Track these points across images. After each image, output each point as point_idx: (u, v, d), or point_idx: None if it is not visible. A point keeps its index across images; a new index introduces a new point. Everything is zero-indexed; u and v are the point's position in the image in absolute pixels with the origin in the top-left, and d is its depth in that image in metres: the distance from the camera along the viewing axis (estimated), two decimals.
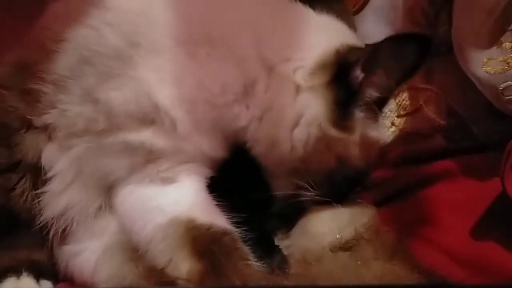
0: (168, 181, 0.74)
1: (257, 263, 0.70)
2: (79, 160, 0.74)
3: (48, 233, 0.77)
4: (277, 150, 0.75)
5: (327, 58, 0.74)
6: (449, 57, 0.93)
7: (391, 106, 0.98)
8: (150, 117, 0.72)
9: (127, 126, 0.72)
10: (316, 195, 0.77)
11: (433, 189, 0.88)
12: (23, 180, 0.76)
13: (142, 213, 0.73)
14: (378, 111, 0.77)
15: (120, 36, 0.71)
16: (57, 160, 0.75)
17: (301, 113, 0.74)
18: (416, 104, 1.00)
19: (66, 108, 0.73)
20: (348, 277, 0.70)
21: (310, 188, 0.77)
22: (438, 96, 0.97)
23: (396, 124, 1.00)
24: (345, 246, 0.75)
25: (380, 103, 0.77)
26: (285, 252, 0.76)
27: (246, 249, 0.71)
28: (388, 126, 0.99)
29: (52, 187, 0.75)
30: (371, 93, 0.75)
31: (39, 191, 0.75)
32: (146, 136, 0.72)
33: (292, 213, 0.80)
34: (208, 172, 0.76)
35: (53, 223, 0.76)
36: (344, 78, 0.74)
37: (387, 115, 0.98)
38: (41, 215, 0.75)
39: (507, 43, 0.85)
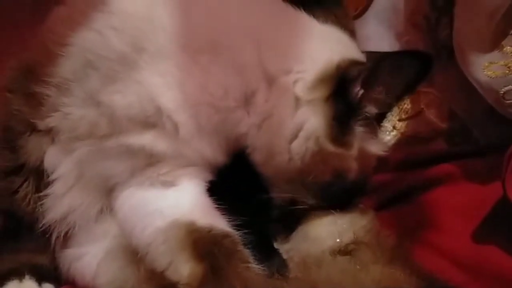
0: (168, 184, 0.74)
1: (257, 266, 0.70)
2: (81, 163, 0.74)
3: (50, 236, 0.77)
4: (274, 160, 0.75)
5: (327, 72, 0.74)
6: (450, 61, 0.93)
7: (393, 110, 0.97)
8: (152, 121, 0.72)
9: (129, 129, 0.72)
10: (313, 204, 0.77)
11: (434, 193, 0.88)
12: (26, 183, 0.76)
13: (142, 216, 0.73)
14: (377, 126, 0.77)
15: (124, 40, 0.71)
16: (60, 163, 0.75)
17: (300, 126, 0.74)
18: (417, 108, 1.00)
19: (69, 111, 0.73)
20: (347, 281, 0.70)
21: (307, 197, 0.77)
22: (439, 100, 0.97)
23: (398, 128, 1.00)
24: (345, 250, 0.75)
25: (380, 118, 0.77)
26: (285, 256, 0.76)
27: (246, 252, 0.71)
28: (389, 129, 1.00)
29: (54, 190, 0.75)
30: (371, 109, 0.75)
31: (41, 194, 0.75)
32: (147, 139, 0.72)
33: (292, 218, 0.79)
34: (208, 176, 0.76)
35: (55, 227, 0.76)
36: (344, 94, 0.73)
37: (389, 118, 0.98)
38: (43, 218, 0.76)
39: (508, 47, 0.85)
